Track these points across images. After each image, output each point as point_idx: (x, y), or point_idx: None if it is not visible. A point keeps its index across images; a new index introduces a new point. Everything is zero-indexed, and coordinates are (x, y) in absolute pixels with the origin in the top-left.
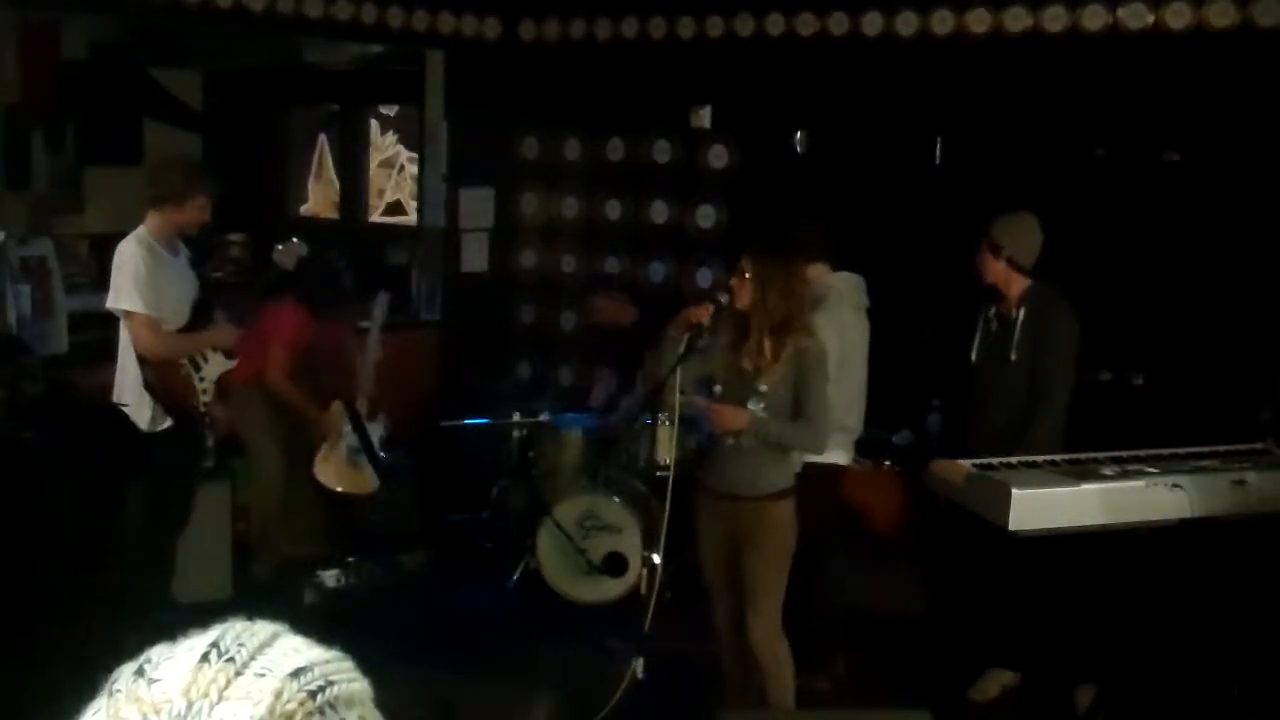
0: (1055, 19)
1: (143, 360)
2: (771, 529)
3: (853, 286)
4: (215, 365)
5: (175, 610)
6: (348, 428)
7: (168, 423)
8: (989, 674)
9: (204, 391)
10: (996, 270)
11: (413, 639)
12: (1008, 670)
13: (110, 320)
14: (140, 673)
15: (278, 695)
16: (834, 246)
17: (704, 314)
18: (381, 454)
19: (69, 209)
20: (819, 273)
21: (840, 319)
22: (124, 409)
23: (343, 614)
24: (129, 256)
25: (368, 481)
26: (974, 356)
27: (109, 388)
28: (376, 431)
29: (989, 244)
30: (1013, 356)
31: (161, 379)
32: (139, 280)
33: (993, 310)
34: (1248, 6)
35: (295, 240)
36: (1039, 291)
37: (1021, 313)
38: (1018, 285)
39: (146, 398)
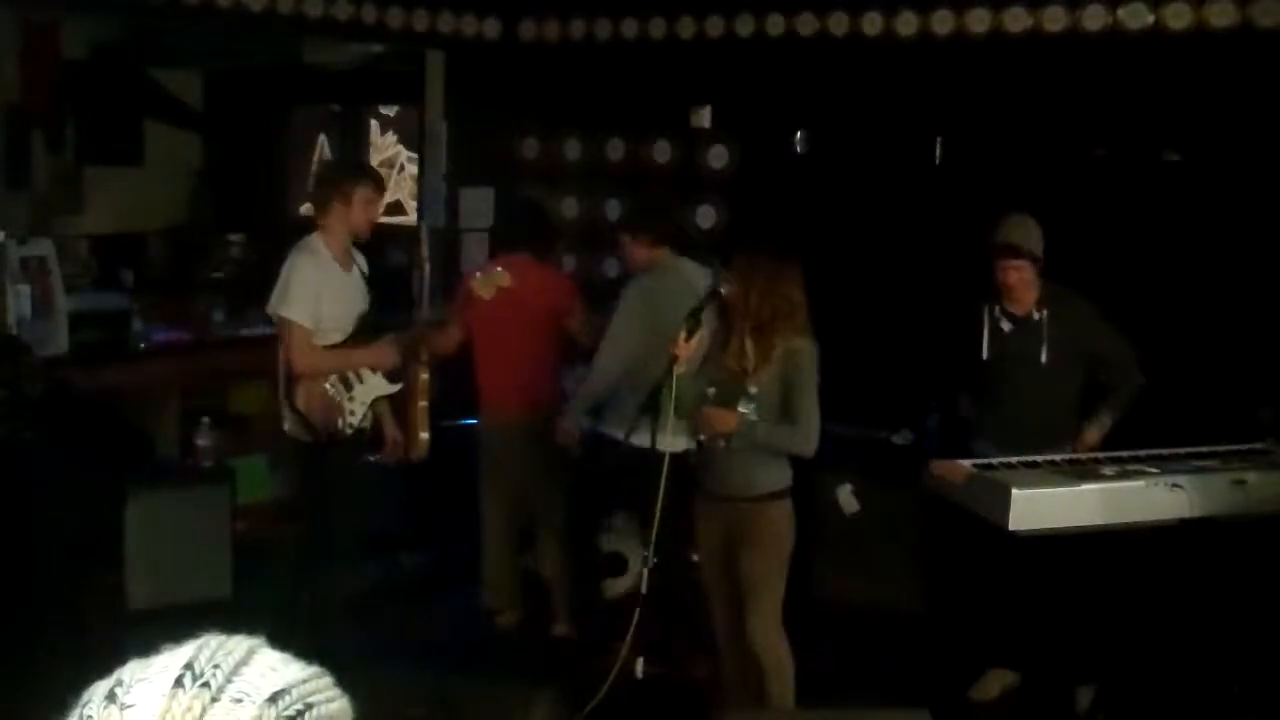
0: (1055, 19)
1: (288, 373)
2: (767, 529)
3: (685, 272)
4: (371, 387)
5: (175, 611)
6: None
7: (308, 437)
8: (989, 674)
9: (352, 413)
10: (1025, 277)
11: (413, 639)
12: (1008, 670)
13: (109, 320)
14: (111, 697)
15: None
16: (673, 228)
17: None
18: None
19: (69, 209)
20: (645, 247)
21: (653, 300)
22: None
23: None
24: (297, 264)
25: None
26: (986, 357)
27: (109, 388)
28: None
29: (1024, 253)
30: (1043, 359)
31: (304, 394)
32: (304, 289)
33: (997, 310)
34: (1248, 6)
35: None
36: (1055, 291)
37: (1044, 314)
38: (1035, 287)
39: (285, 406)
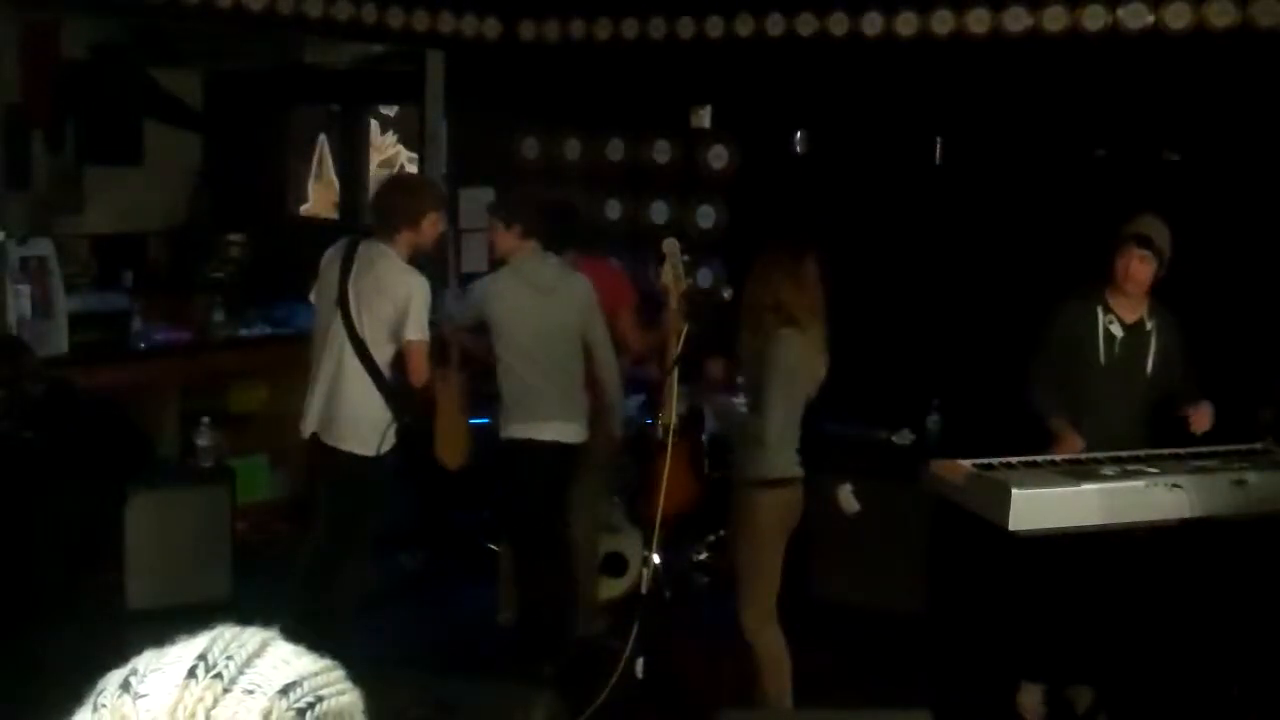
0: (1055, 19)
1: (414, 387)
2: (749, 516)
3: (543, 271)
4: None
5: (175, 611)
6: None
7: (392, 444)
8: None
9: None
10: (1149, 270)
11: (413, 639)
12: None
13: (109, 320)
14: (125, 686)
15: (266, 715)
16: (543, 223)
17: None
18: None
19: (69, 209)
20: (515, 237)
21: (507, 287)
22: (350, 448)
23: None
24: (423, 288)
25: None
26: (1103, 361)
27: (109, 388)
28: None
29: (1154, 246)
30: (1149, 369)
31: (418, 404)
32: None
33: (1110, 315)
34: (1248, 6)
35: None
36: (1158, 304)
37: (1154, 323)
38: (1148, 294)
39: (388, 424)
